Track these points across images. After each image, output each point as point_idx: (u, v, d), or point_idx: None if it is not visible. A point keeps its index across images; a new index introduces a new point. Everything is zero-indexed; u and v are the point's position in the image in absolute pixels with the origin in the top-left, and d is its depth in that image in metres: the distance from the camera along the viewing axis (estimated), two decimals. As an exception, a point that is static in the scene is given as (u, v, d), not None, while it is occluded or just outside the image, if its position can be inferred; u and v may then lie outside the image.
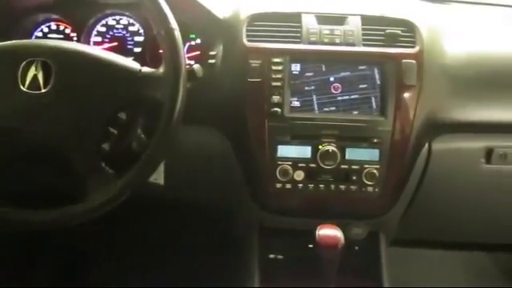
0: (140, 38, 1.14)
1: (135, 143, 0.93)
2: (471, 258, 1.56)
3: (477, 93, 1.02)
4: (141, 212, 1.32)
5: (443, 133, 1.04)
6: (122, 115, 0.88)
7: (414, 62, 0.98)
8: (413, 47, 0.99)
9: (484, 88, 1.02)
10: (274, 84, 0.97)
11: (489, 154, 1.05)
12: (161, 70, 0.83)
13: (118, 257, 1.55)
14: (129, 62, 0.86)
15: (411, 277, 1.50)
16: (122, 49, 1.13)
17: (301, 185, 1.00)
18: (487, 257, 1.56)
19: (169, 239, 1.50)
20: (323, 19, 1.02)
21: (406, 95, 0.98)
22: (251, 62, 0.97)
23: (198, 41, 1.09)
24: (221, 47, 1.02)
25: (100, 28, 1.14)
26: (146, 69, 0.85)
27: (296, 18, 1.02)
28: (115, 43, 1.14)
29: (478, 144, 1.05)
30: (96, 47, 1.11)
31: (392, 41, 1.00)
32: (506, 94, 1.03)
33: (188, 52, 1.09)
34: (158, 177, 1.00)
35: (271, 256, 1.10)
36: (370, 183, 0.99)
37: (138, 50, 1.14)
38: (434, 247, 1.50)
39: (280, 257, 1.11)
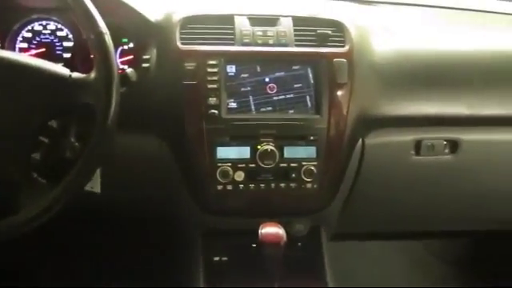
0: (69, 44, 1.10)
1: (69, 151, 0.90)
2: (408, 246, 1.64)
3: (404, 88, 1.08)
4: (80, 221, 1.28)
5: (375, 128, 1.08)
6: (53, 123, 0.85)
7: (344, 60, 1.01)
8: (343, 46, 1.03)
9: (411, 84, 1.08)
10: (210, 86, 0.98)
11: (418, 145, 1.10)
12: (92, 75, 0.81)
13: (56, 265, 1.49)
14: (57, 68, 0.83)
15: (353, 268, 1.55)
16: (50, 55, 1.09)
17: (242, 185, 1.01)
18: (422, 244, 1.65)
19: (110, 247, 1.46)
20: (256, 21, 1.03)
21: (339, 93, 1.01)
22: (186, 64, 0.97)
23: (131, 45, 1.07)
24: (154, 51, 1.01)
25: (26, 34, 1.09)
26: (76, 74, 0.82)
27: (229, 19, 1.02)
28: (43, 49, 1.10)
29: (408, 137, 1.10)
30: (22, 54, 1.06)
31: (323, 41, 1.03)
32: (431, 88, 1.09)
33: (121, 56, 1.07)
34: (95, 185, 0.97)
35: (216, 258, 1.10)
36: (308, 180, 1.01)
37: (67, 55, 1.10)
38: (373, 238, 1.55)
39: (225, 258, 1.11)
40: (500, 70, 1.11)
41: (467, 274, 1.61)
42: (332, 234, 1.21)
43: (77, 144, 0.90)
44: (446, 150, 1.12)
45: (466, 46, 1.14)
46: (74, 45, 1.09)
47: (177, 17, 1.01)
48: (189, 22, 1.01)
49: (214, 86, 0.98)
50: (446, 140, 1.11)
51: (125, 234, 1.42)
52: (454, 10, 1.41)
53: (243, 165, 1.00)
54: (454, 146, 1.11)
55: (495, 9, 1.37)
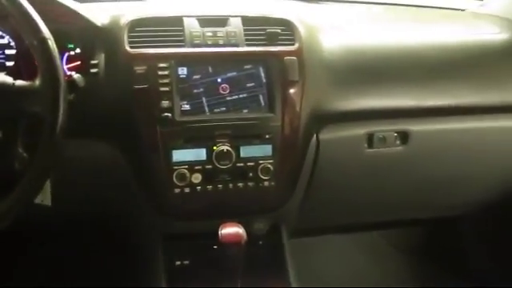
0: (12, 51, 1.06)
1: (17, 163, 0.87)
2: (366, 237, 1.68)
3: (354, 83, 1.10)
4: (36, 233, 1.23)
5: (328, 123, 1.10)
6: None
7: (295, 58, 1.02)
8: (293, 45, 1.04)
9: (360, 79, 1.10)
10: (162, 89, 0.96)
11: (370, 138, 1.13)
12: (37, 82, 0.78)
13: (15, 266, 1.44)
14: (0, 77, 0.80)
15: (315, 263, 1.58)
16: (-9, 64, 1.05)
17: (199, 187, 1.00)
18: (379, 234, 1.69)
19: (70, 257, 1.42)
20: (205, 22, 1.03)
21: (291, 91, 1.02)
22: (136, 68, 0.95)
23: (78, 50, 1.04)
24: (102, 56, 0.99)
25: None
26: (20, 82, 0.79)
27: (178, 21, 1.02)
28: (-16, 59, 1.05)
29: (360, 131, 1.13)
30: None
31: (273, 39, 1.04)
32: (380, 83, 1.12)
33: (68, 62, 1.03)
34: (45, 197, 0.94)
35: (177, 262, 1.09)
36: (265, 178, 1.02)
37: (10, 63, 1.05)
38: (333, 232, 1.58)
39: (186, 262, 1.10)
40: (442, 63, 1.16)
41: (421, 261, 1.66)
42: (292, 231, 1.22)
43: (25, 154, 0.87)
44: (397, 142, 1.15)
45: (410, 40, 1.18)
46: (17, 52, 1.05)
47: (124, 20, 1.00)
48: (137, 24, 1.00)
49: (166, 88, 0.97)
50: (396, 132, 1.14)
51: (85, 241, 1.38)
52: (398, 7, 1.46)
53: (200, 167, 0.99)
54: (404, 137, 1.15)
55: (436, 4, 1.43)
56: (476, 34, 1.24)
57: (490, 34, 1.24)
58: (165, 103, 0.96)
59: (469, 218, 1.58)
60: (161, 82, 0.96)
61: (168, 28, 1.00)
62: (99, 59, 0.99)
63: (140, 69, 0.96)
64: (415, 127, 1.15)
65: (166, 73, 0.97)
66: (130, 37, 0.98)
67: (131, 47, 0.97)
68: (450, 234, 1.68)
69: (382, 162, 1.17)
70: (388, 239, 1.71)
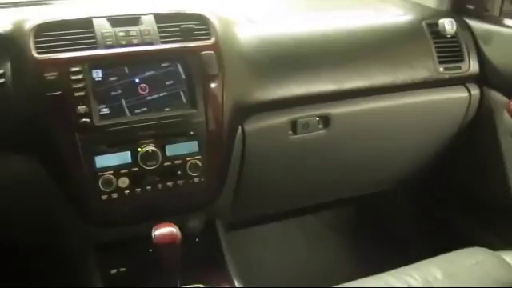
0: None
1: None
2: (302, 222, 1.72)
3: (273, 73, 1.12)
4: None
5: (252, 114, 1.12)
6: None
7: (212, 52, 1.02)
8: (209, 39, 1.04)
9: (278, 68, 1.12)
10: (77, 94, 0.93)
11: (294, 125, 1.16)
12: None
13: None
14: None
15: (254, 254, 1.59)
16: None
17: (127, 191, 0.98)
18: (314, 217, 1.74)
19: (8, 268, 1.34)
20: (116, 22, 1.00)
21: (212, 85, 1.02)
22: (46, 75, 0.91)
23: (-19, 61, 0.98)
24: (9, 64, 0.94)
25: None
26: None
27: (87, 23, 0.98)
28: None
29: (284, 118, 1.15)
30: None
31: (188, 35, 1.03)
32: (298, 70, 1.15)
33: (-29, 75, 0.97)
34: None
35: (113, 271, 1.06)
36: (195, 174, 1.02)
37: None
38: (269, 221, 1.61)
39: (123, 269, 1.07)
40: (355, 47, 1.21)
41: (355, 238, 1.73)
42: (228, 225, 1.23)
43: None
44: (320, 126, 1.19)
45: (324, 27, 1.22)
46: None
47: (29, 25, 0.95)
48: (43, 29, 0.95)
49: (81, 93, 0.93)
50: (318, 116, 1.18)
51: (22, 252, 1.31)
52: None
53: (126, 170, 0.97)
54: (325, 121, 1.19)
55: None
56: (383, 17, 1.31)
57: (396, 17, 1.31)
58: (81, 108, 0.93)
59: (395, 192, 1.66)
60: (75, 86, 0.93)
61: (77, 31, 0.97)
62: (5, 69, 0.93)
63: (51, 75, 0.91)
64: (335, 110, 1.19)
65: (79, 77, 0.93)
66: (36, 42, 0.93)
67: (39, 53, 0.93)
68: (379, 210, 1.77)
69: (308, 146, 1.20)
70: (323, 221, 1.77)
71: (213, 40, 1.04)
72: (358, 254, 1.64)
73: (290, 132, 1.16)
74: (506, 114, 1.25)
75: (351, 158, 1.31)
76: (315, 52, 1.17)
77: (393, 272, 0.98)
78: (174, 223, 0.96)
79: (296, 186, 1.32)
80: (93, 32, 0.97)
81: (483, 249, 1.03)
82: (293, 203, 1.45)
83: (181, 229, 0.96)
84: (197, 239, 1.13)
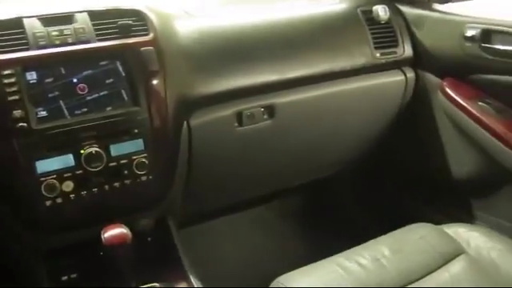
0: None
1: None
2: (254, 213, 1.73)
3: (215, 66, 1.12)
4: None
5: (197, 108, 1.11)
6: None
7: (151, 48, 1.01)
8: (147, 35, 1.02)
9: (220, 60, 1.12)
10: (11, 98, 0.89)
11: (239, 117, 1.16)
12: None
13: None
14: None
15: (209, 249, 1.59)
16: None
17: (73, 195, 0.95)
18: (266, 208, 1.75)
19: None
20: (48, 21, 0.96)
21: (154, 81, 1.01)
22: None
23: None
24: None
25: None
26: None
27: (17, 23, 0.94)
28: None
29: (229, 111, 1.15)
30: None
31: (126, 31, 1.01)
32: (240, 61, 1.15)
33: None
34: None
35: (64, 278, 1.03)
36: (142, 173, 1.00)
37: None
38: (222, 214, 1.61)
39: (74, 275, 1.04)
40: (294, 36, 1.22)
41: (307, 225, 1.77)
42: (181, 221, 1.22)
43: None
44: (265, 116, 1.20)
45: (263, 18, 1.23)
46: None
47: None
48: None
49: (16, 97, 0.89)
50: (262, 107, 1.19)
51: None
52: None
53: (69, 174, 0.94)
54: (270, 111, 1.20)
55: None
56: (319, 6, 1.33)
57: (332, 5, 1.34)
58: (17, 113, 0.89)
59: (342, 176, 1.71)
60: (8, 90, 0.89)
61: (6, 32, 0.92)
62: None
63: None
64: (279, 100, 1.20)
65: (12, 80, 0.89)
66: None
67: None
68: (329, 195, 1.81)
69: (254, 137, 1.21)
70: (275, 211, 1.79)
71: (151, 36, 1.02)
72: (311, 240, 1.68)
73: (236, 124, 1.17)
74: (440, 94, 1.31)
75: (298, 146, 1.34)
76: (256, 43, 1.18)
77: (344, 253, 1.01)
78: (125, 223, 0.94)
79: (245, 177, 1.33)
80: (24, 32, 0.93)
81: (426, 224, 1.09)
82: (243, 194, 1.46)
83: (132, 229, 0.95)
84: (149, 238, 1.12)
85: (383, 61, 1.30)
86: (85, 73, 0.96)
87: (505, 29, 1.15)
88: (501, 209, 1.30)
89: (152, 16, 1.05)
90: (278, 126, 1.22)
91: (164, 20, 1.09)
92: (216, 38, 1.14)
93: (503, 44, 1.15)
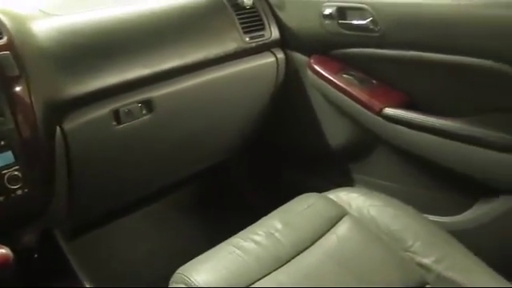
0: None
1: None
2: (149, 210, 1.70)
3: (82, 65, 1.06)
4: None
5: (69, 111, 1.05)
6: None
7: (7, 53, 0.94)
8: (1, 38, 0.95)
9: (86, 59, 1.07)
10: None
11: (116, 115, 1.12)
12: None
13: None
14: None
15: (106, 255, 1.54)
16: None
17: None
18: (160, 204, 1.73)
19: None
20: None
21: (16, 88, 0.94)
22: None
23: None
24: None
25: None
26: None
27: None
28: None
29: (104, 110, 1.10)
30: None
31: None
32: (108, 58, 1.11)
33: None
34: None
35: None
36: (16, 187, 0.94)
37: None
38: (113, 219, 1.55)
39: None
40: (163, 28, 1.21)
41: (205, 213, 1.78)
42: (70, 232, 1.16)
43: None
44: (144, 112, 1.17)
45: (126, 12, 1.19)
46: None
47: None
48: None
49: None
50: (139, 102, 1.16)
51: None
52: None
53: None
54: (148, 105, 1.18)
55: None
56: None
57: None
58: None
59: (235, 162, 1.74)
60: None
61: None
62: None
63: None
64: (156, 93, 1.18)
65: None
66: None
67: None
68: (223, 181, 1.83)
69: (135, 134, 1.18)
70: (170, 205, 1.77)
71: (5, 39, 0.95)
72: (211, 228, 1.69)
73: (114, 123, 1.13)
74: (309, 71, 1.39)
75: (181, 138, 1.33)
76: (124, 37, 1.14)
77: (240, 234, 1.03)
78: (6, 242, 0.87)
79: (133, 176, 1.30)
80: None
81: (312, 193, 1.15)
82: (134, 194, 1.42)
83: (14, 247, 0.88)
84: (35, 255, 1.05)
85: (253, 44, 1.35)
86: None
87: (356, 5, 1.24)
88: (374, 169, 1.42)
89: (4, 18, 0.98)
90: (158, 120, 1.21)
91: (18, 21, 1.01)
92: (79, 36, 1.08)
93: (356, 19, 1.25)
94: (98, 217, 1.43)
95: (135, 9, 1.21)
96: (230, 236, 1.04)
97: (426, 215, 1.11)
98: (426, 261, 0.95)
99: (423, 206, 1.14)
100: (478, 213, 1.20)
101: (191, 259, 0.98)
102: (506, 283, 0.89)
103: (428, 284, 0.92)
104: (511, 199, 1.13)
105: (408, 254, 0.97)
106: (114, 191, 1.29)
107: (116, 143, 1.16)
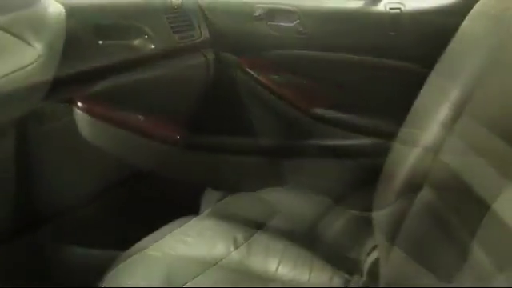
0: None
1: None
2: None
3: None
4: None
5: None
6: None
7: None
8: None
9: None
10: None
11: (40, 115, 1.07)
12: None
13: None
14: None
15: None
16: None
17: None
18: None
19: None
20: None
21: None
22: None
23: None
24: None
25: None
26: None
27: None
28: None
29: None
30: None
31: None
32: None
33: None
34: None
35: None
36: None
37: None
38: None
39: None
40: None
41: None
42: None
43: None
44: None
45: None
46: None
47: None
48: None
49: None
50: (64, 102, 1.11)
51: None
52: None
53: None
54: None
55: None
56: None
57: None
58: None
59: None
60: None
61: None
62: None
63: None
64: (82, 94, 1.14)
65: None
66: None
67: None
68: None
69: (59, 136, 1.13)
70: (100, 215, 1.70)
71: None
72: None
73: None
74: (239, 72, 1.41)
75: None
76: None
77: (171, 235, 1.02)
78: None
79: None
80: None
81: (244, 193, 1.16)
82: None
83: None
84: None
85: (182, 44, 1.33)
86: None
87: (285, 7, 1.27)
88: (304, 168, 1.45)
89: None
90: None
91: None
92: None
93: (284, 21, 1.28)
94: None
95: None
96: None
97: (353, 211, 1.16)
98: None
99: (350, 203, 1.19)
100: (400, 207, 1.27)
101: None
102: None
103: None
104: (429, 195, 1.20)
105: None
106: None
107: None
